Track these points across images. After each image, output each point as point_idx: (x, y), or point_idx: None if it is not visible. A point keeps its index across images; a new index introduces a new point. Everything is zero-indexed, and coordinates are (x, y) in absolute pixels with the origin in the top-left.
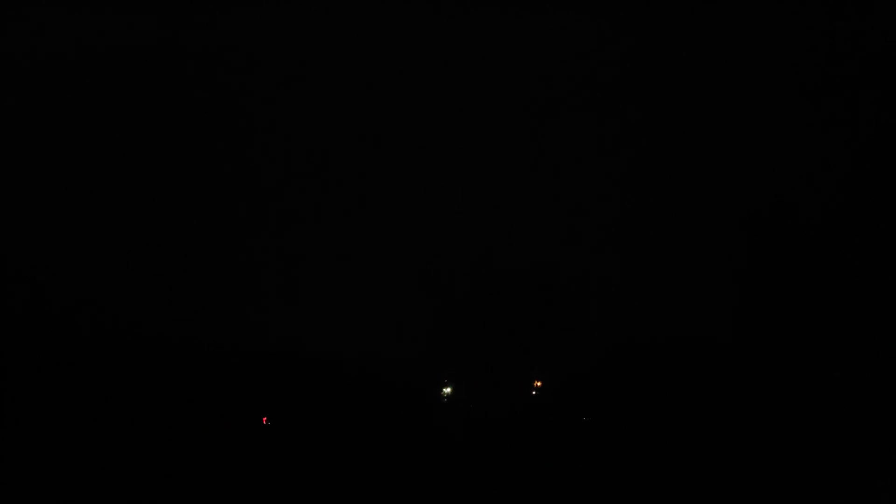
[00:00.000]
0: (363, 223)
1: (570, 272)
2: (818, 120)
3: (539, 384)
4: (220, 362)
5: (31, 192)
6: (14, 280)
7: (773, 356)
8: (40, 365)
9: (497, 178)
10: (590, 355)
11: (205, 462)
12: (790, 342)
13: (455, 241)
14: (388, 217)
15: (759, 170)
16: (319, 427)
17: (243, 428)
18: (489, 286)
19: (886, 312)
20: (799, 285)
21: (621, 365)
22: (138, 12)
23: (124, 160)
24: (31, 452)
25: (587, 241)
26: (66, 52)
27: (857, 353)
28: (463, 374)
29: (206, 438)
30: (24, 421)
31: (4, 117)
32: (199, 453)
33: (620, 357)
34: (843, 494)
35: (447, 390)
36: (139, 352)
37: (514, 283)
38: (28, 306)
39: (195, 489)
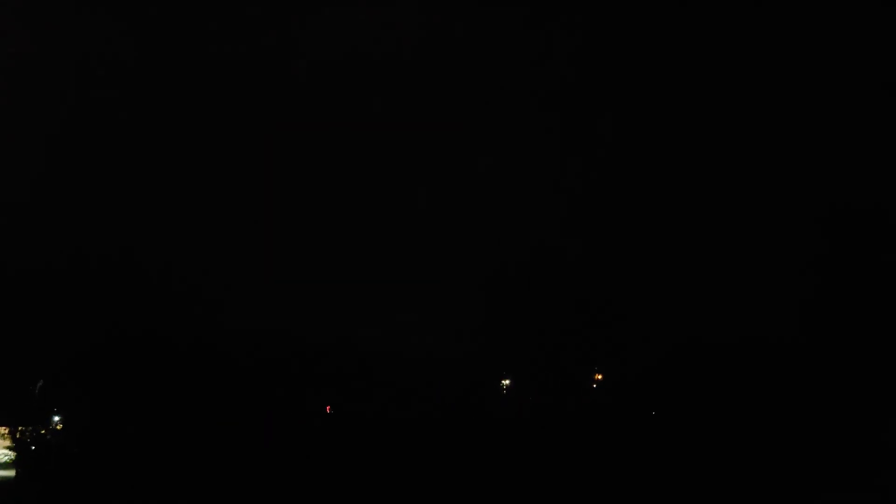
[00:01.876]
0: (431, 227)
1: (631, 269)
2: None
3: (600, 377)
4: (288, 358)
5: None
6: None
7: (839, 357)
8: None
9: (558, 180)
10: (652, 350)
11: (272, 445)
12: (855, 343)
13: (515, 237)
14: (455, 222)
15: (825, 170)
16: (384, 415)
17: (310, 417)
18: (550, 282)
19: None
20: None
21: (683, 360)
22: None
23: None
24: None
25: (649, 239)
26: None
27: None
28: (522, 366)
29: (270, 425)
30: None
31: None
32: (262, 440)
33: (682, 353)
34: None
35: (506, 382)
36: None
37: (575, 279)
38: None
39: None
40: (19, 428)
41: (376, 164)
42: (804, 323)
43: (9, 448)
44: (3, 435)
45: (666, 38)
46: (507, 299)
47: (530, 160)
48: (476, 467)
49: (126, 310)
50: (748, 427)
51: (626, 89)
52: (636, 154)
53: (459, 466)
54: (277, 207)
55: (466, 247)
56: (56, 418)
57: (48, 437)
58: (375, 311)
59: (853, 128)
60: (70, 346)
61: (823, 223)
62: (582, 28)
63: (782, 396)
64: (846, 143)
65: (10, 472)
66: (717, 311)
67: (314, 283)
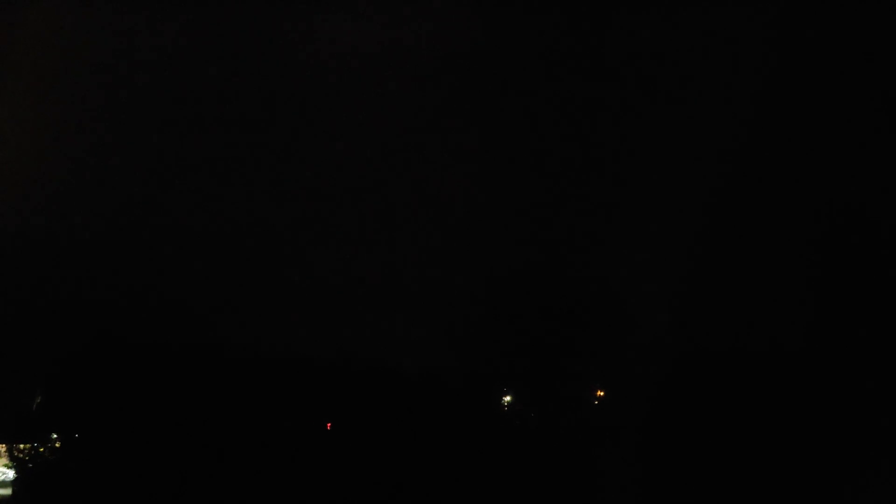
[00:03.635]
0: (434, 241)
1: (633, 285)
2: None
3: (601, 394)
4: (288, 371)
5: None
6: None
7: (841, 364)
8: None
9: (560, 194)
10: (652, 367)
11: (272, 461)
12: (855, 350)
13: (521, 254)
14: (458, 235)
15: (819, 177)
16: (385, 432)
17: (310, 432)
18: (553, 298)
19: None
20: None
21: (684, 376)
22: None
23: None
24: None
25: (650, 254)
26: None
27: None
28: (524, 383)
29: (275, 441)
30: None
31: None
32: (267, 454)
33: (683, 368)
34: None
35: (507, 399)
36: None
37: (578, 296)
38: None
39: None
40: (16, 445)
41: (365, 168)
42: (812, 330)
43: (6, 466)
44: (1, 453)
45: (651, 37)
46: (507, 312)
47: (531, 163)
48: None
49: (128, 320)
50: (762, 443)
51: (621, 91)
52: (630, 161)
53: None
54: (261, 211)
55: (466, 256)
56: (54, 435)
57: (47, 455)
58: (369, 323)
59: (846, 129)
60: (71, 359)
61: (823, 227)
62: (582, 30)
63: (799, 407)
64: (841, 144)
65: (7, 491)
66: (722, 320)
67: (307, 291)
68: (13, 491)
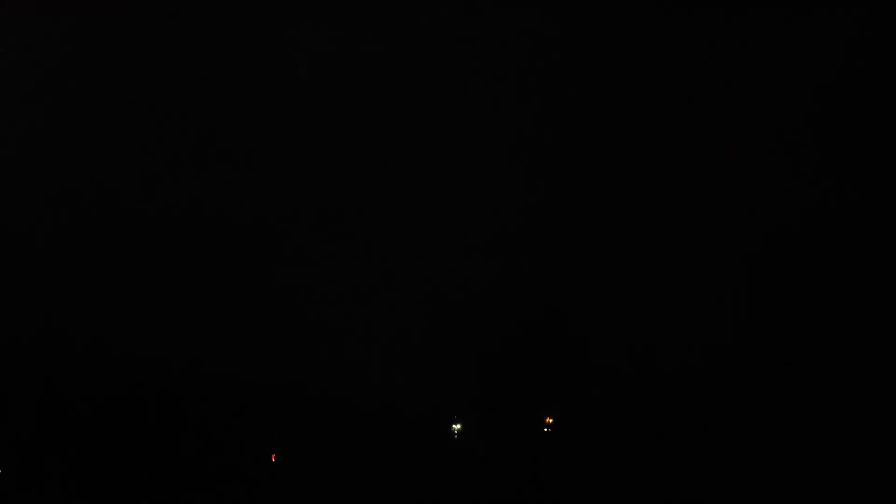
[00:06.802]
0: (374, 255)
1: (583, 308)
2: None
3: (550, 421)
4: (225, 397)
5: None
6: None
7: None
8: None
9: (511, 211)
10: (603, 393)
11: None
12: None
13: (466, 274)
14: (399, 250)
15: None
16: (325, 463)
17: (248, 463)
18: (500, 322)
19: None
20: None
21: (635, 403)
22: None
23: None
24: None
25: (601, 276)
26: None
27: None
28: (473, 410)
29: (212, 472)
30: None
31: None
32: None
33: (634, 394)
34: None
35: (457, 427)
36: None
37: (525, 319)
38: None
39: None
40: None
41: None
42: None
43: None
44: None
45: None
46: (462, 337)
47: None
48: None
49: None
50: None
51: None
52: (581, 180)
53: None
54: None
55: (417, 274)
56: None
57: None
58: (315, 350)
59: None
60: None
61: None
62: (576, 32)
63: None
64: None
65: None
66: (667, 348)
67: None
68: None
